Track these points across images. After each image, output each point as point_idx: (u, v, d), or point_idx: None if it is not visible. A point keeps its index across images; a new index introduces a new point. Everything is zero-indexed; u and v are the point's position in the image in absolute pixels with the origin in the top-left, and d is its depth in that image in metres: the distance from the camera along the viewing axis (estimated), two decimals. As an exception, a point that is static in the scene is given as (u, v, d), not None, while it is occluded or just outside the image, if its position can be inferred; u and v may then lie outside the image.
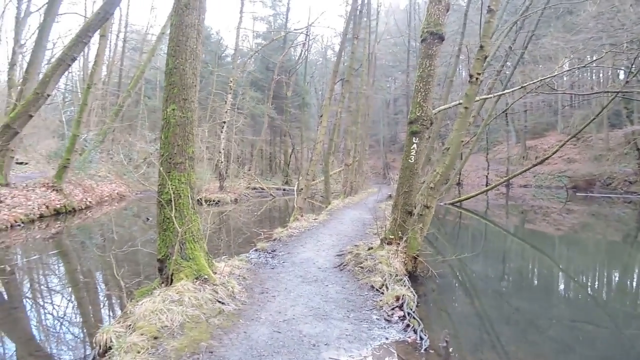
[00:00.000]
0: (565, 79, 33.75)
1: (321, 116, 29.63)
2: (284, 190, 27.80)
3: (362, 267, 5.93)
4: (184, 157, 4.91)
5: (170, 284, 4.48)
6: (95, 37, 13.57)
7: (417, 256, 6.13)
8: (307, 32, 28.75)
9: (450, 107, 7.23)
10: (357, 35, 16.99)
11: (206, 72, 31.14)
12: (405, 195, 6.37)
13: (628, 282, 8.38)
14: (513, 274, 8.36)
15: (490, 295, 6.58)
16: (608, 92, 16.70)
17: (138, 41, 37.29)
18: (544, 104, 43.73)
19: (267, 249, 8.01)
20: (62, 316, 5.23)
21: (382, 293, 5.00)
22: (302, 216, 12.53)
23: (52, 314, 5.31)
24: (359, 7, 17.23)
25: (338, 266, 6.38)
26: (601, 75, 32.58)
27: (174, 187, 4.78)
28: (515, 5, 19.80)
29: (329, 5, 79.29)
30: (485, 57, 6.00)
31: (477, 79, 5.91)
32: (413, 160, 6.35)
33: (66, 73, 16.62)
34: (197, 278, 4.59)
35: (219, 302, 4.36)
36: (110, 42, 34.30)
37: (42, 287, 6.72)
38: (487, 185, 33.17)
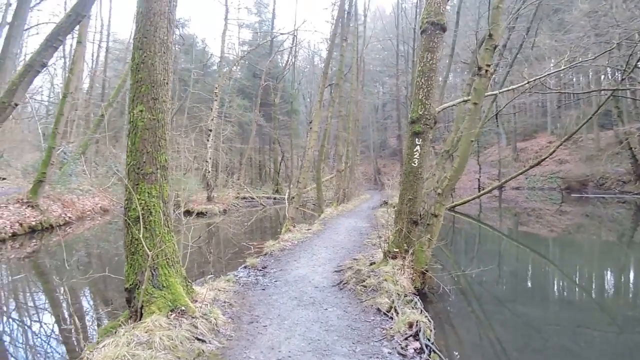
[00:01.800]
0: (554, 80, 33.63)
1: (311, 122, 29.01)
2: (275, 199, 27.02)
3: (364, 286, 5.22)
4: (154, 167, 4.17)
5: (140, 319, 3.72)
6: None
7: (426, 271, 5.45)
8: (294, 35, 28.19)
9: (454, 105, 6.59)
10: (346, 37, 16.42)
11: (192, 80, 30.43)
12: (410, 203, 5.69)
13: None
14: (524, 285, 7.72)
15: (509, 314, 5.91)
16: (604, 90, 16.35)
17: (121, 51, 36.46)
18: (535, 105, 43.73)
19: (258, 265, 7.27)
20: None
21: (392, 318, 4.29)
22: (294, 227, 11.81)
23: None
24: (347, 9, 16.68)
25: (337, 284, 5.67)
26: (590, 75, 32.44)
27: (142, 202, 4.03)
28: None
29: (316, 10, 79.31)
30: (495, 47, 5.39)
31: (486, 71, 5.29)
32: (417, 164, 5.68)
33: (50, 84, 15.74)
34: (172, 310, 3.83)
35: (199, 339, 3.61)
36: (93, 51, 33.49)
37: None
38: (479, 188, 32.80)
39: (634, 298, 7.31)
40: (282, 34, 28.82)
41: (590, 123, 30.45)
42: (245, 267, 7.34)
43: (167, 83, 4.41)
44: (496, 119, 35.80)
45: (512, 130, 40.77)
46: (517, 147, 39.91)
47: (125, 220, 4.05)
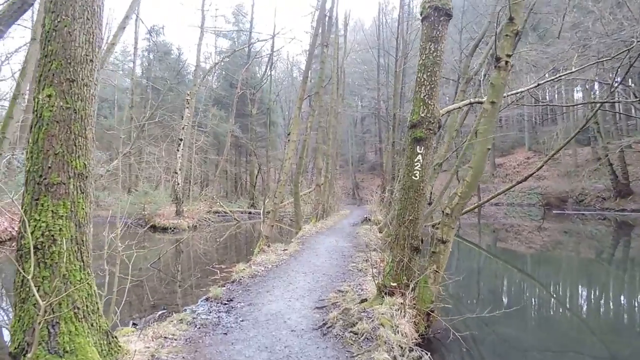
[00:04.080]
0: (539, 93, 33.78)
1: (289, 134, 28.00)
2: (250, 213, 25.64)
3: (355, 333, 4.04)
4: (66, 174, 2.94)
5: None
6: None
7: (432, 311, 4.34)
8: (272, 43, 27.26)
9: (460, 107, 5.56)
10: (327, 44, 15.49)
11: (165, 88, 29.02)
12: (410, 225, 4.60)
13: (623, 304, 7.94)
14: (544, 330, 6.67)
15: None
16: (593, 102, 15.87)
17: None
18: (513, 120, 43.98)
19: (222, 297, 6.01)
20: None
21: (395, 386, 3.14)
22: (268, 246, 10.56)
23: None
24: (327, 13, 15.80)
25: (320, 327, 4.48)
26: (577, 90, 32.57)
27: (43, 224, 2.79)
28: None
29: (295, 20, 79.13)
30: (517, 33, 4.42)
31: (506, 62, 4.30)
32: (418, 177, 4.61)
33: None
34: (77, 389, 2.58)
35: None
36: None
37: None
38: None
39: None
40: (260, 40, 27.73)
41: (566, 139, 30.49)
42: (207, 299, 6.08)
43: (91, 61, 3.20)
44: (475, 134, 35.73)
45: (490, 145, 40.75)
46: (495, 163, 39.81)
47: (18, 251, 2.79)
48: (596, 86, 26.85)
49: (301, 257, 9.25)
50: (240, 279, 7.01)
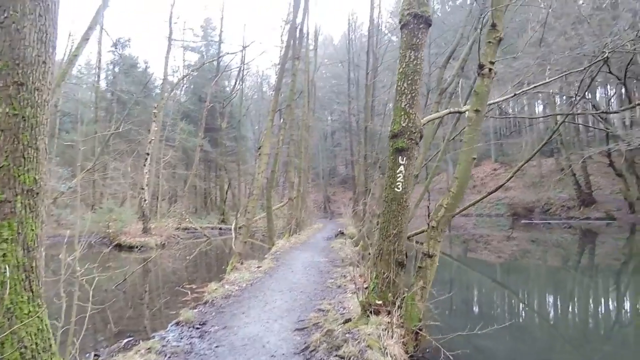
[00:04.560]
0: (502, 107, 34.88)
1: (259, 148, 27.60)
2: (221, 229, 24.95)
3: (341, 357, 3.74)
4: (11, 191, 2.55)
5: None
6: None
7: (420, 330, 4.10)
8: (242, 56, 27.01)
9: (441, 117, 5.43)
10: (298, 55, 15.36)
11: (131, 101, 28.15)
12: (394, 240, 4.38)
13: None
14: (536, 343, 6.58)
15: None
16: (559, 114, 16.40)
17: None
18: (482, 131, 45.13)
19: (194, 320, 5.59)
20: None
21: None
22: (242, 263, 10.14)
23: None
24: (298, 26, 15.70)
25: (302, 351, 4.16)
26: (537, 103, 33.76)
27: (-18, 250, 2.39)
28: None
29: (265, 33, 79.30)
30: (500, 40, 4.35)
31: (490, 69, 4.21)
32: (401, 189, 4.42)
33: None
34: None
35: None
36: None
37: None
38: (428, 216, 32.59)
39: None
40: (229, 53, 27.43)
41: (532, 150, 31.54)
42: (177, 323, 5.64)
43: (44, 62, 2.84)
44: (447, 145, 36.47)
45: (456, 157, 41.65)
46: (463, 175, 40.58)
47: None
48: (557, 99, 27.98)
49: (277, 274, 8.88)
50: (213, 300, 6.59)
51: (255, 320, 5.38)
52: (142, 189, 18.92)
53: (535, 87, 11.44)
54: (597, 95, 33.40)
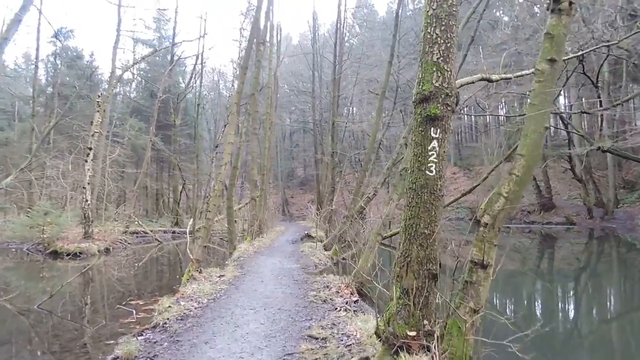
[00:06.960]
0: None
1: (217, 146, 25.71)
2: (174, 232, 22.91)
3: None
4: None
5: None
6: None
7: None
8: (198, 50, 25.12)
9: (474, 82, 4.21)
10: (263, 40, 13.98)
11: (74, 94, 25.46)
12: (423, 241, 3.15)
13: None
14: None
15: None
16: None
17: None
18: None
19: (138, 356, 4.10)
20: None
21: None
22: (200, 272, 8.59)
23: None
24: (265, 9, 14.34)
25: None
26: (500, 106, 33.93)
27: None
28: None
29: (224, 30, 76.82)
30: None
31: (570, 3, 3.05)
32: (434, 172, 3.20)
33: None
34: None
35: None
36: None
37: None
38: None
39: None
40: (185, 41, 25.49)
41: (490, 155, 31.79)
42: (115, 359, 4.13)
43: None
44: (406, 146, 36.17)
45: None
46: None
47: None
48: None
49: (244, 284, 7.43)
50: (165, 323, 5.07)
51: (224, 355, 3.95)
52: (84, 188, 16.70)
53: (514, 76, 10.73)
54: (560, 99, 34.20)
